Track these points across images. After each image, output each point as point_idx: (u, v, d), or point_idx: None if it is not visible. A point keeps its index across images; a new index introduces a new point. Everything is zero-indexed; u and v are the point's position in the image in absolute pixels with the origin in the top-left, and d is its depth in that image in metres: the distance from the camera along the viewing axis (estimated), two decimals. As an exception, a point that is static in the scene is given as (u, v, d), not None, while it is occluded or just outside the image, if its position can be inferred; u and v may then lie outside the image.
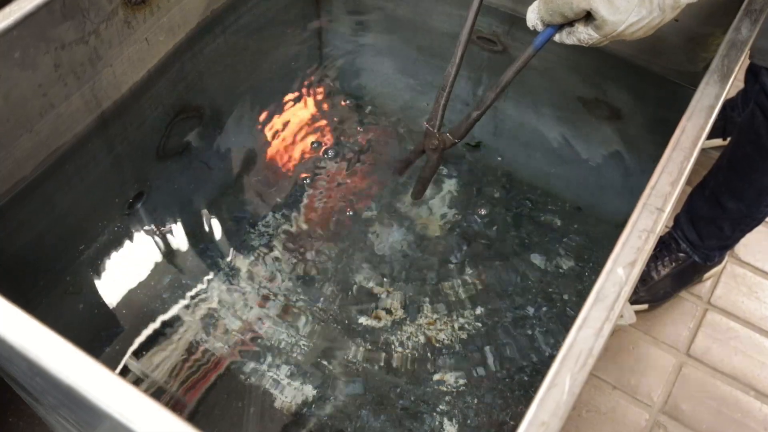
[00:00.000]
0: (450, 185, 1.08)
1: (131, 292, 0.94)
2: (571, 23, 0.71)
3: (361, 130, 1.14)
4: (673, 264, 1.35)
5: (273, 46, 1.23)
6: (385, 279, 0.98)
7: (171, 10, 0.99)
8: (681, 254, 1.35)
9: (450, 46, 0.81)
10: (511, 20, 1.17)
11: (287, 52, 1.23)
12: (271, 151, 1.12)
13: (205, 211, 1.03)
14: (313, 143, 1.12)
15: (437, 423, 0.86)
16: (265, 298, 0.95)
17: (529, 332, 0.94)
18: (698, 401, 1.28)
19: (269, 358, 0.90)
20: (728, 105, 1.57)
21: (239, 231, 1.01)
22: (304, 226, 1.03)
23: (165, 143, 1.06)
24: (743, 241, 1.34)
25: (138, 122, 1.02)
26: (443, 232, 1.03)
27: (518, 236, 1.03)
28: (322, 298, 0.96)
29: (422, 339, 0.93)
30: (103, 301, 0.92)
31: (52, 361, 0.51)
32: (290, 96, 1.18)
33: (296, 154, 1.11)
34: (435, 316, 0.95)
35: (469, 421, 0.87)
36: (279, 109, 1.16)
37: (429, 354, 0.92)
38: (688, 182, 0.69)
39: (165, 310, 0.92)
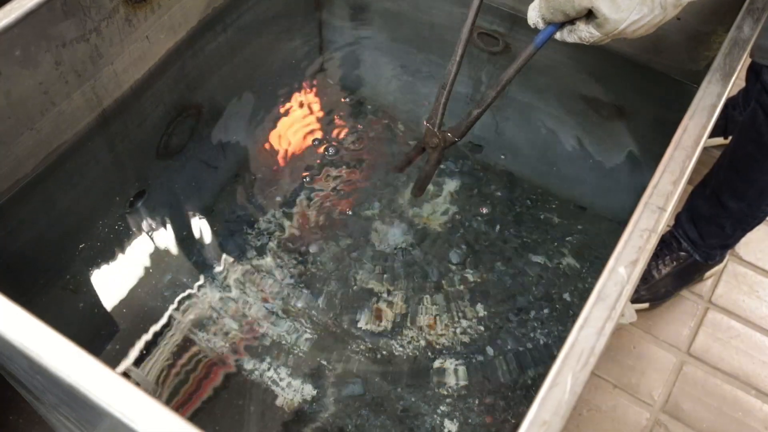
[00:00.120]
0: (451, 184, 1.08)
1: (131, 290, 0.94)
2: (572, 21, 0.70)
3: (362, 127, 1.14)
4: (674, 263, 1.35)
5: (273, 44, 1.23)
6: (385, 277, 0.98)
7: (172, 8, 0.99)
8: (682, 253, 1.35)
9: (451, 44, 0.81)
10: (512, 19, 1.17)
11: (288, 50, 1.23)
12: (271, 150, 1.11)
13: (205, 210, 1.03)
14: (313, 141, 1.12)
15: (437, 423, 0.86)
16: (266, 297, 0.95)
17: (531, 333, 0.94)
18: (699, 400, 1.28)
19: (269, 358, 0.90)
20: (730, 103, 1.56)
21: (240, 230, 1.01)
22: (305, 225, 1.03)
23: (166, 142, 1.06)
24: (744, 240, 1.34)
25: (139, 120, 1.02)
26: (444, 230, 1.03)
27: (519, 235, 1.03)
28: (322, 297, 0.96)
29: (423, 339, 0.93)
30: (104, 300, 0.92)
31: (53, 359, 0.51)
32: (291, 94, 1.18)
33: (297, 152, 1.11)
34: (436, 314, 0.95)
35: (470, 421, 0.87)
36: (279, 107, 1.16)
37: (429, 354, 0.92)
38: (689, 181, 0.69)
39: (165, 309, 0.92)
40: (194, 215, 1.02)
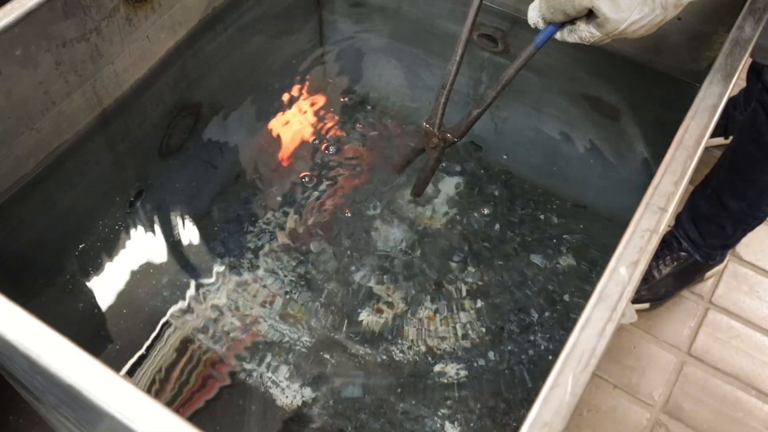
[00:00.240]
0: (451, 184, 1.08)
1: (132, 290, 0.93)
2: (572, 21, 0.70)
3: (362, 127, 1.14)
4: (675, 263, 1.35)
5: (274, 43, 1.23)
6: (386, 277, 0.98)
7: (172, 8, 0.99)
8: (683, 253, 1.35)
9: (451, 44, 0.80)
10: (512, 20, 1.17)
11: (288, 49, 1.23)
12: (272, 149, 1.11)
13: (205, 210, 1.03)
14: (313, 140, 1.12)
15: (438, 425, 0.86)
16: (266, 297, 0.95)
17: (532, 336, 0.94)
18: (699, 400, 1.28)
19: (269, 358, 0.90)
20: (730, 103, 1.56)
21: (240, 229, 1.01)
22: (305, 225, 1.03)
23: (166, 141, 1.06)
24: (745, 240, 1.34)
25: (139, 120, 1.02)
26: (445, 230, 1.03)
27: (520, 235, 1.03)
28: (322, 297, 0.96)
29: (423, 339, 0.93)
30: (104, 300, 0.92)
31: (53, 359, 0.51)
32: (291, 93, 1.18)
33: (297, 151, 1.11)
34: (436, 314, 0.95)
35: (471, 424, 0.87)
36: (280, 106, 1.16)
37: (429, 356, 0.92)
38: (690, 181, 0.69)
39: (165, 309, 0.92)
40: (194, 215, 1.02)
